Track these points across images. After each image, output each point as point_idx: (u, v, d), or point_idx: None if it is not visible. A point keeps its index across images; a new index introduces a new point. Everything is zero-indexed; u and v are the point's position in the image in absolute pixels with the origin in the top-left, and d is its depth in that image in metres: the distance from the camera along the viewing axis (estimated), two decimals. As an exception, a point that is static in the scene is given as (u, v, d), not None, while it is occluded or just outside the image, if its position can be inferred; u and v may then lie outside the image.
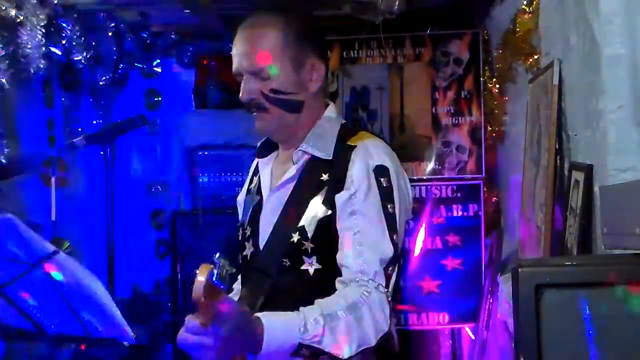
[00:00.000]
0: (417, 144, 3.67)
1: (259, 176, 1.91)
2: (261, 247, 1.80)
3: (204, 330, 1.36)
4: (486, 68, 3.58)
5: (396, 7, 3.16)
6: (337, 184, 1.71)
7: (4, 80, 3.08)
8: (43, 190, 4.15)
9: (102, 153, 2.25)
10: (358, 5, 3.61)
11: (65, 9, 3.59)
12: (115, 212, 2.33)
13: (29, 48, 3.06)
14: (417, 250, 3.61)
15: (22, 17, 3.04)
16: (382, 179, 1.71)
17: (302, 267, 1.72)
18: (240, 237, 1.91)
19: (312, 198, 1.72)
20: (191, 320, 1.38)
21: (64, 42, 3.69)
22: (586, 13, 1.84)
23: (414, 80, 3.68)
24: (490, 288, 3.26)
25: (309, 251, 1.71)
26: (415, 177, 3.65)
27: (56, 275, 1.65)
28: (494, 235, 3.48)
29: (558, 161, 2.13)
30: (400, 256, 1.76)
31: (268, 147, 1.91)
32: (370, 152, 1.74)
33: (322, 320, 1.52)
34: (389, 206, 1.71)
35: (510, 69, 3.02)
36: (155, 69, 4.60)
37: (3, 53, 3.09)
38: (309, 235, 1.71)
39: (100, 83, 4.20)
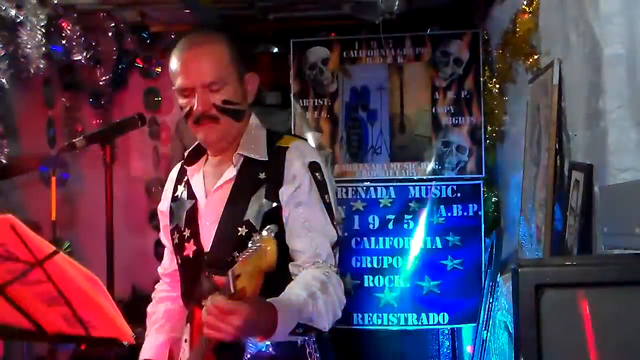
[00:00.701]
0: (417, 144, 3.67)
1: (188, 182, 2.05)
2: (204, 244, 1.94)
3: (235, 309, 1.48)
4: (486, 68, 3.58)
5: (396, 7, 3.16)
6: (276, 180, 1.89)
7: (4, 80, 3.08)
8: (43, 190, 4.15)
9: (102, 153, 2.24)
10: (358, 5, 3.62)
11: (65, 9, 3.59)
12: (115, 212, 2.32)
13: (29, 48, 3.06)
14: (417, 250, 3.61)
15: (22, 17, 3.04)
16: (317, 174, 1.92)
17: None
18: (177, 240, 2.03)
19: (253, 194, 1.90)
20: (222, 299, 1.51)
21: (64, 42, 3.69)
22: (586, 13, 1.84)
23: (414, 80, 3.68)
24: (490, 288, 3.26)
25: None
26: (415, 177, 3.66)
27: (56, 275, 1.65)
28: (494, 235, 3.48)
29: (558, 161, 2.13)
30: (341, 238, 1.95)
31: (195, 156, 2.06)
32: (302, 152, 1.94)
33: (311, 300, 1.69)
34: (325, 196, 1.91)
35: (510, 69, 3.02)
36: (155, 69, 4.60)
37: (3, 53, 3.09)
38: (257, 227, 1.85)
39: (100, 83, 4.20)
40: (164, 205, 2.14)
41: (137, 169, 4.71)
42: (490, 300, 3.20)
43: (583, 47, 1.90)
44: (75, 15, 3.69)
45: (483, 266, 3.53)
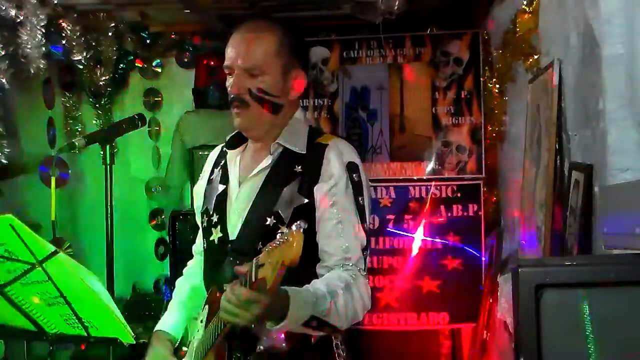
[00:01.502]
0: (417, 144, 3.67)
1: (225, 166, 2.05)
2: (231, 231, 1.94)
3: (254, 299, 1.53)
4: (486, 68, 3.58)
5: (396, 7, 3.16)
6: (312, 176, 1.88)
7: (4, 80, 3.07)
8: (43, 190, 4.14)
9: (102, 153, 2.24)
10: (358, 5, 3.61)
11: (65, 9, 3.58)
12: (115, 212, 2.32)
13: (29, 48, 3.06)
14: (417, 250, 3.61)
15: (22, 17, 3.04)
16: (354, 175, 1.90)
17: None
18: (205, 224, 2.04)
19: (285, 186, 1.89)
20: (242, 288, 1.55)
21: (64, 42, 3.69)
22: (586, 13, 1.84)
23: (414, 80, 3.68)
24: (490, 288, 3.26)
25: None
26: (415, 177, 3.66)
27: (56, 275, 1.65)
28: (494, 235, 3.48)
29: (558, 161, 2.13)
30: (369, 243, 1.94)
31: (237, 141, 2.05)
32: (342, 151, 1.92)
33: (329, 296, 1.71)
34: (359, 198, 1.90)
35: (510, 69, 3.02)
36: (155, 69, 4.60)
37: (3, 53, 3.08)
38: (285, 220, 1.85)
39: (100, 83, 4.19)
40: (199, 186, 2.15)
41: (137, 169, 4.71)
42: (490, 300, 3.20)
43: (583, 47, 1.90)
44: (75, 15, 3.68)
45: (483, 266, 3.53)
